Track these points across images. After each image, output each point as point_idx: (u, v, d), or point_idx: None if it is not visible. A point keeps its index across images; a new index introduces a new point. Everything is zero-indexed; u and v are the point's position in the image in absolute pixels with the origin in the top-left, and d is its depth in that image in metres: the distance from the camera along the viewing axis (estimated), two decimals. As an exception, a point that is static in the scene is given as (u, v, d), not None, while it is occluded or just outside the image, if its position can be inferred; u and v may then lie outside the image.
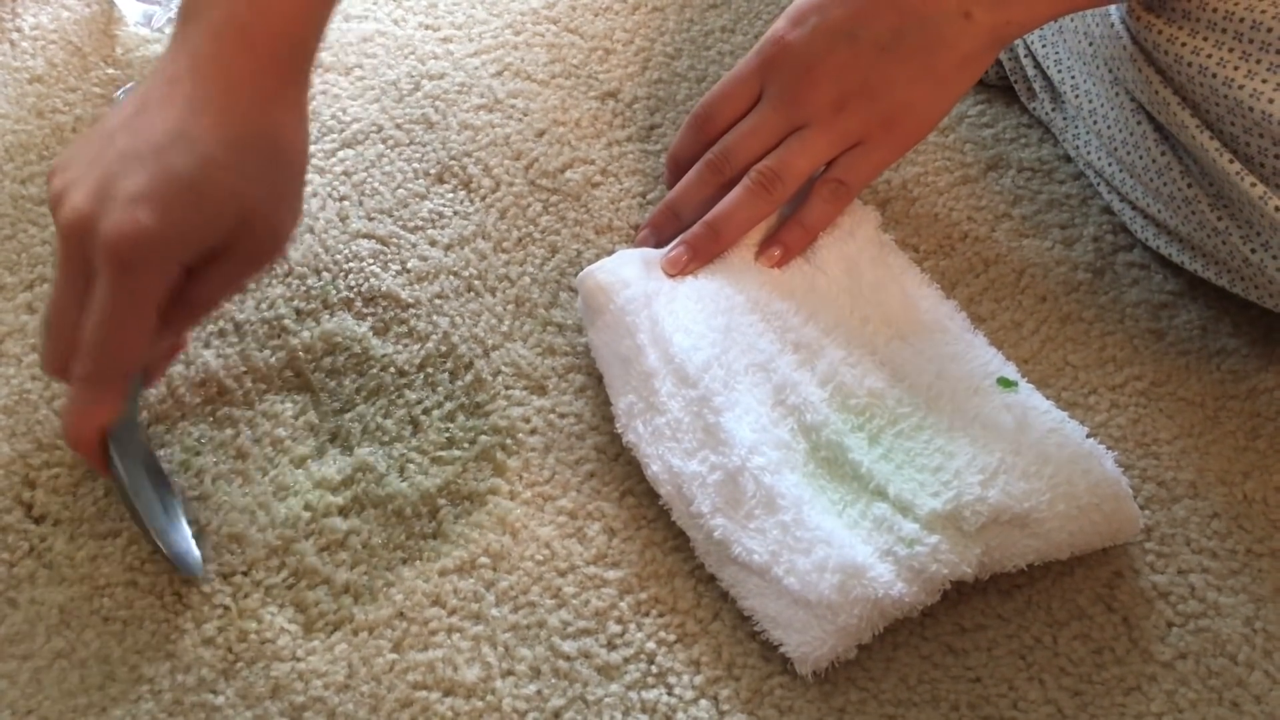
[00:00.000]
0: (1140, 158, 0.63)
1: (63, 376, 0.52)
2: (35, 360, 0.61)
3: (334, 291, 0.64)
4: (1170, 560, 0.56)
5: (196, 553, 0.54)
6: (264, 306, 0.63)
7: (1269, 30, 0.55)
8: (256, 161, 0.51)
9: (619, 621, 0.54)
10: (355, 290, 0.64)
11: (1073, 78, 0.67)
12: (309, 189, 0.68)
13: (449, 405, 0.60)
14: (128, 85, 0.67)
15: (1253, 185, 0.56)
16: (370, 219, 0.67)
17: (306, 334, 0.62)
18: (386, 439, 0.59)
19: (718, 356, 0.57)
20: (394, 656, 0.52)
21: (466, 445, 0.59)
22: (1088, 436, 0.55)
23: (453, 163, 0.69)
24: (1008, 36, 0.59)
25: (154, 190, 0.49)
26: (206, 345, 0.61)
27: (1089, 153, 0.68)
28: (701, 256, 0.61)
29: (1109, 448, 0.56)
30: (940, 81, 0.60)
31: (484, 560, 0.55)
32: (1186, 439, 0.60)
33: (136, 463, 0.54)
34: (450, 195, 0.68)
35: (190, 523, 0.55)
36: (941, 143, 0.71)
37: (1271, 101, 0.55)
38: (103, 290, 0.49)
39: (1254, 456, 0.59)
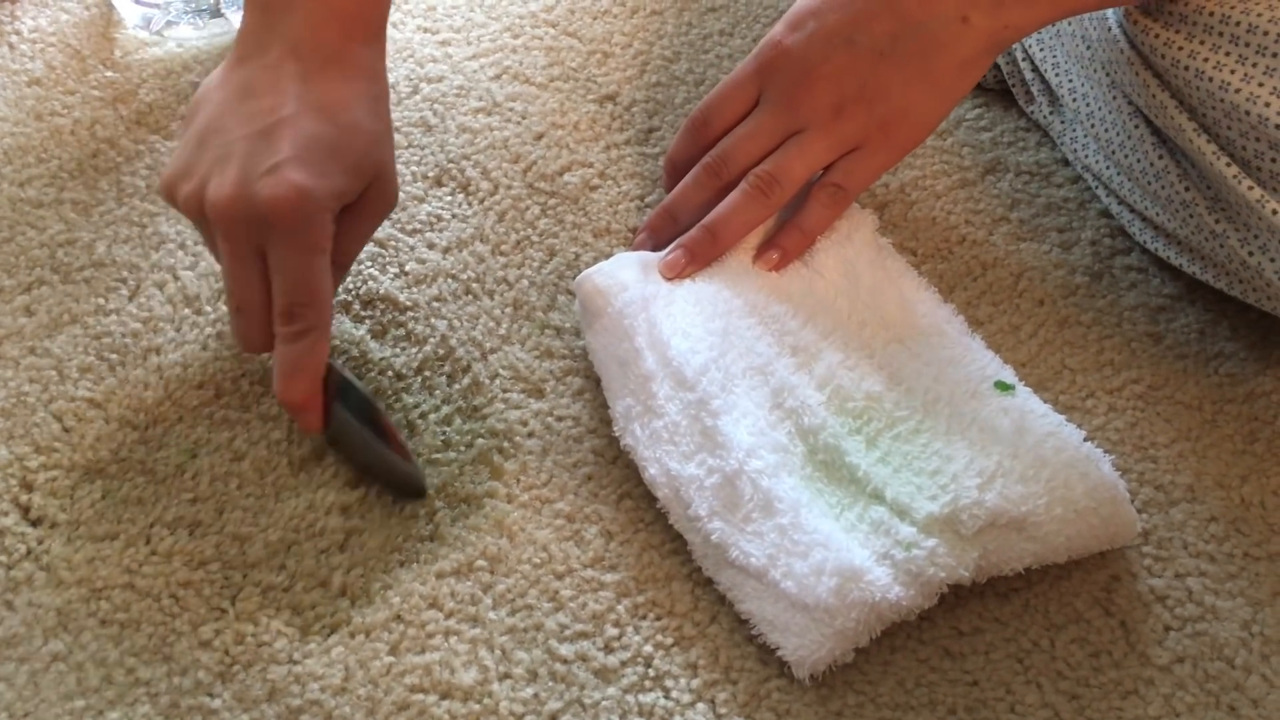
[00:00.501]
0: (1138, 161, 0.63)
1: (266, 349, 0.55)
2: (33, 363, 0.61)
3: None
4: (1168, 564, 0.56)
5: (421, 473, 0.57)
6: (262, 309, 0.63)
7: (1265, 34, 0.55)
8: (371, 115, 0.56)
9: (616, 624, 0.54)
10: (353, 293, 0.64)
11: (1070, 81, 0.67)
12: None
13: (446, 409, 0.60)
14: (195, 77, 0.71)
15: (1250, 189, 0.57)
16: (368, 222, 0.67)
17: (304, 337, 0.62)
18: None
19: (715, 359, 0.57)
20: (391, 659, 0.52)
21: (463, 448, 0.59)
22: (1085, 440, 0.55)
23: (451, 166, 0.69)
24: (1005, 41, 0.59)
25: (298, 154, 0.53)
26: (204, 347, 0.62)
27: (1087, 156, 0.68)
28: (699, 260, 0.61)
29: (1107, 451, 0.56)
30: (938, 86, 0.60)
31: (481, 563, 0.55)
32: (1184, 442, 0.60)
33: (344, 404, 0.56)
34: (448, 198, 0.68)
35: (403, 446, 0.57)
36: (939, 146, 0.71)
37: (1268, 105, 0.55)
38: (283, 253, 0.53)
39: (1251, 460, 0.59)
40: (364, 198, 0.56)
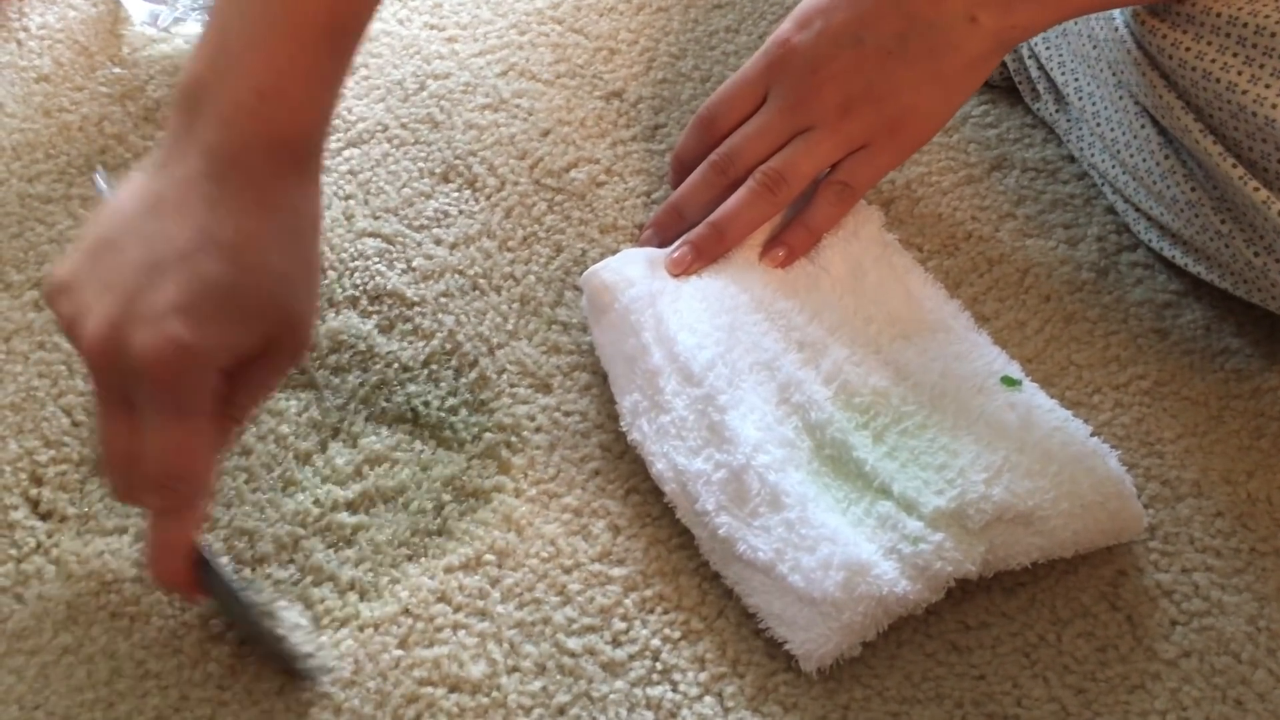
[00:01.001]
0: (1144, 161, 0.63)
1: (139, 504, 0.50)
2: (42, 357, 0.61)
3: (339, 290, 0.64)
4: (1174, 559, 0.56)
5: (320, 656, 0.52)
6: (270, 304, 0.63)
7: (1273, 35, 0.56)
8: (286, 255, 0.49)
9: (624, 618, 0.54)
10: (361, 288, 0.64)
11: (1076, 80, 0.67)
12: (315, 188, 0.68)
13: (453, 401, 0.60)
14: (99, 173, 0.62)
15: (1256, 190, 0.57)
16: (376, 218, 0.67)
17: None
18: (393, 432, 0.59)
19: (722, 355, 0.57)
20: (400, 653, 0.53)
21: (471, 442, 0.59)
22: (1092, 435, 0.56)
23: (458, 162, 0.70)
24: (1013, 41, 0.60)
25: (187, 301, 0.46)
26: (213, 343, 0.62)
27: (1092, 155, 0.68)
28: (705, 257, 0.61)
29: (1113, 446, 0.56)
30: (945, 85, 0.60)
31: (489, 557, 0.55)
32: (1190, 438, 0.60)
33: (222, 575, 0.51)
34: (455, 194, 0.68)
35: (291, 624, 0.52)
36: (946, 143, 0.71)
37: (1275, 107, 0.55)
38: (153, 416, 0.46)
39: (1258, 456, 0.59)
40: (267, 350, 0.49)
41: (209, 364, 0.46)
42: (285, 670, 0.51)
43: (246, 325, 0.47)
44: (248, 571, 0.55)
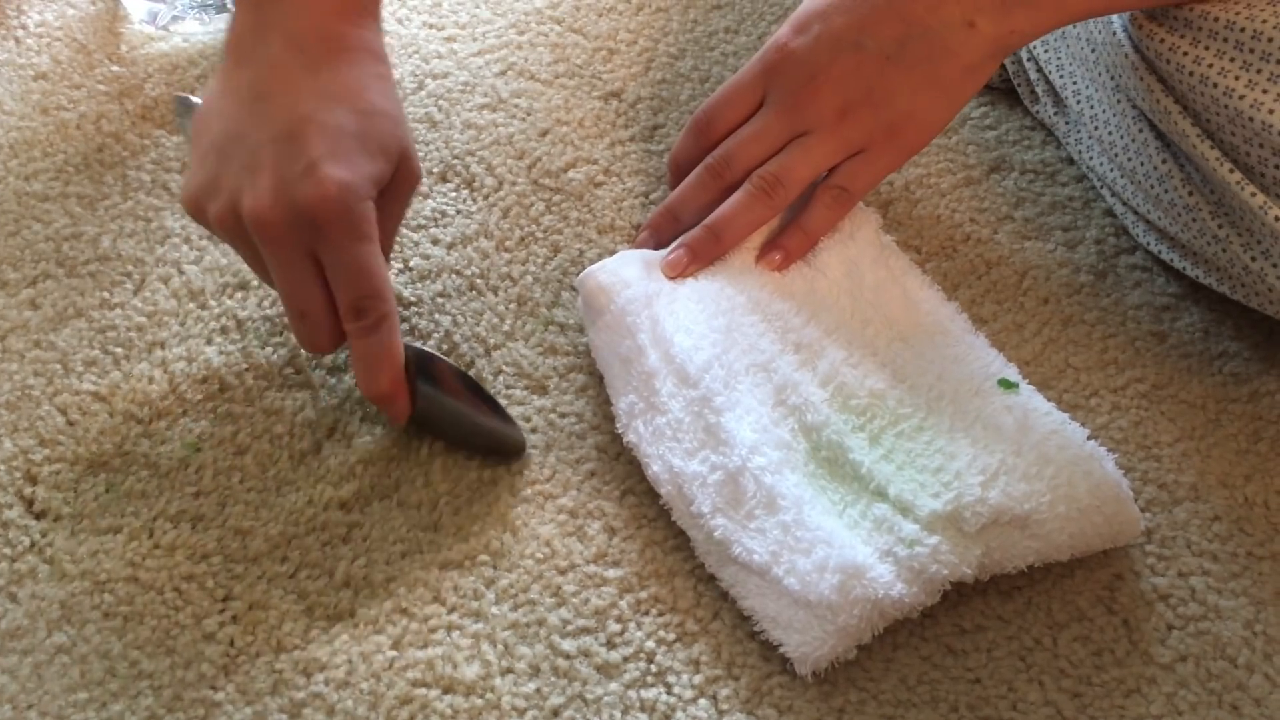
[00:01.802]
0: (1141, 164, 0.63)
1: (336, 347, 0.55)
2: (37, 356, 0.61)
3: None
4: (1171, 563, 0.56)
5: (517, 431, 0.58)
6: (266, 304, 0.63)
7: (1270, 40, 0.55)
8: (390, 104, 0.55)
9: (619, 620, 0.54)
10: (358, 288, 0.64)
11: (1075, 83, 0.67)
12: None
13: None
14: (184, 94, 0.66)
15: (1253, 195, 0.56)
16: (373, 217, 0.67)
17: (309, 331, 0.62)
18: (390, 429, 0.59)
19: (718, 357, 0.57)
20: (393, 654, 0.52)
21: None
22: (1089, 438, 0.55)
23: (456, 162, 0.69)
24: (1011, 46, 0.59)
25: (329, 149, 0.52)
26: (209, 342, 0.62)
27: (1091, 158, 0.68)
28: (701, 259, 0.61)
29: (1110, 450, 0.56)
30: (944, 90, 0.60)
31: (484, 558, 0.55)
32: (1188, 442, 0.60)
33: (427, 380, 0.57)
34: (453, 194, 0.68)
35: (495, 407, 0.58)
36: (944, 145, 0.71)
37: (1272, 112, 0.55)
38: (338, 251, 0.52)
39: (1255, 460, 0.59)
40: (393, 179, 0.56)
41: (366, 195, 0.53)
42: (496, 452, 0.58)
43: (380, 159, 0.54)
44: (240, 569, 0.55)
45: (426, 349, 0.59)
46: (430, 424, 0.58)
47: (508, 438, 0.58)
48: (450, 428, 0.58)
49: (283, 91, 0.54)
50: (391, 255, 0.65)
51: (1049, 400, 0.57)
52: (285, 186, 0.52)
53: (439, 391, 0.57)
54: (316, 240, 0.52)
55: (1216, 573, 0.56)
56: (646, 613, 0.54)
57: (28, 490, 0.57)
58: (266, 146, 0.53)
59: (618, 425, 0.58)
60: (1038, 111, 0.72)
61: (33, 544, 0.55)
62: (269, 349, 0.61)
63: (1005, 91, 0.74)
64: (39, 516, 0.56)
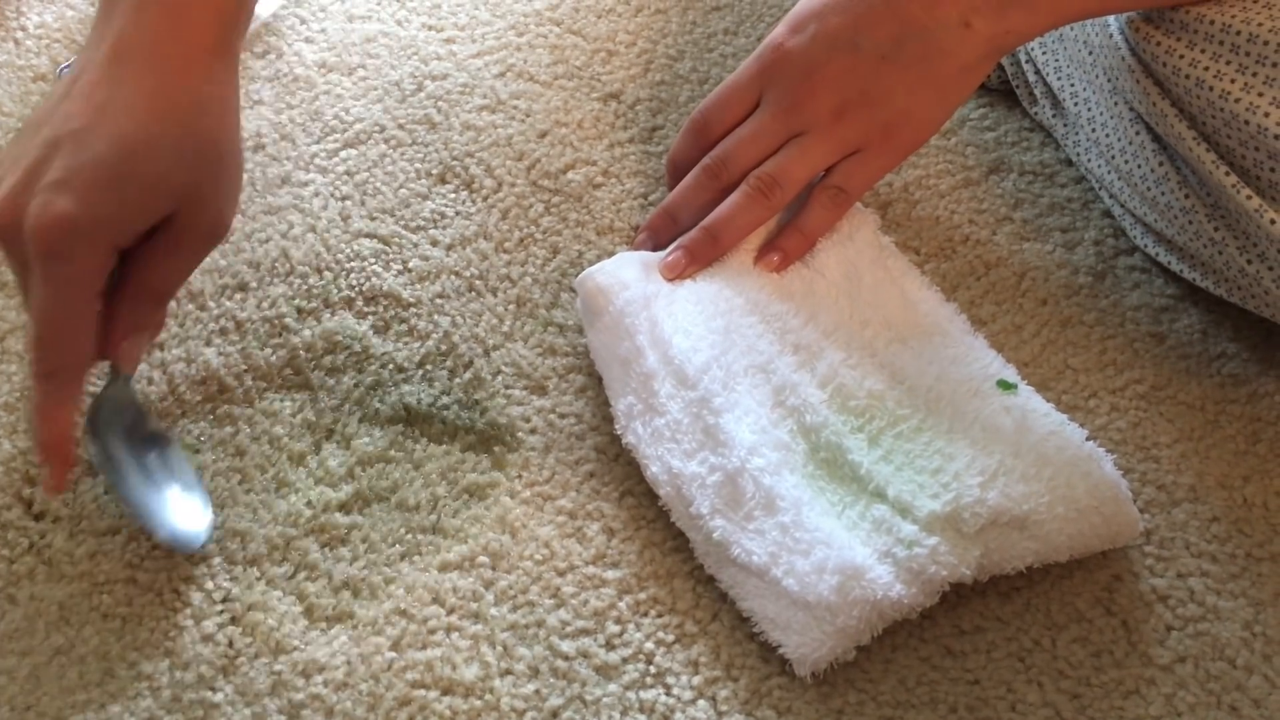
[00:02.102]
0: (1138, 167, 0.63)
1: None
2: (36, 357, 0.61)
3: (335, 290, 0.64)
4: (1170, 564, 0.56)
5: (186, 530, 0.53)
6: (265, 305, 0.63)
7: (1265, 44, 0.55)
8: (184, 140, 0.50)
9: (618, 621, 0.54)
10: (357, 289, 0.64)
11: (1072, 86, 0.67)
12: (311, 188, 0.68)
13: (445, 400, 0.60)
14: (65, 64, 0.65)
15: (1249, 198, 0.57)
16: (372, 219, 0.67)
17: (307, 332, 0.62)
18: (388, 430, 0.59)
19: (717, 358, 0.57)
20: (393, 655, 0.52)
21: (465, 438, 0.59)
22: (1088, 439, 0.55)
23: (455, 163, 0.70)
24: (1007, 46, 0.59)
25: (73, 175, 0.48)
26: (208, 343, 0.62)
27: (1089, 160, 0.68)
28: (699, 261, 0.61)
29: (1109, 451, 0.56)
30: (940, 90, 0.60)
31: (483, 559, 0.55)
32: (1186, 443, 0.60)
33: (120, 454, 0.53)
34: (452, 195, 0.68)
35: (191, 493, 0.54)
36: (943, 146, 0.71)
37: (1267, 115, 0.55)
38: (36, 282, 0.48)
39: (1254, 461, 0.59)
40: (174, 227, 0.50)
41: (97, 238, 0.48)
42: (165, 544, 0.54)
43: (132, 204, 0.48)
44: (239, 571, 0.55)
45: (140, 412, 0.54)
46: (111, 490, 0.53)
47: (171, 536, 0.53)
48: (119, 500, 0.54)
49: (80, 95, 0.49)
50: (390, 257, 0.65)
51: (1048, 401, 0.57)
52: (22, 197, 0.48)
53: (123, 457, 0.53)
54: (31, 262, 0.48)
55: (1215, 574, 0.56)
56: (645, 614, 0.54)
57: (26, 492, 0.57)
58: (34, 148, 0.49)
59: (616, 426, 0.58)
60: (1036, 113, 0.72)
61: (31, 545, 0.55)
62: (268, 350, 0.61)
63: (1004, 93, 0.74)
64: (38, 518, 0.56)
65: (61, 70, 0.61)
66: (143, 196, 0.49)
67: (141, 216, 0.49)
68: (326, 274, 0.64)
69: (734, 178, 0.61)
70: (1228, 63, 0.56)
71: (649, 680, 0.52)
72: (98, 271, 0.49)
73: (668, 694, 0.52)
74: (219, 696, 0.51)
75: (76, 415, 0.51)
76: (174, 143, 0.49)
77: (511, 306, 0.64)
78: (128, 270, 0.51)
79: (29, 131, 0.50)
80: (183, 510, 0.54)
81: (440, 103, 0.72)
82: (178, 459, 0.55)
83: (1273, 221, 0.56)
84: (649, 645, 0.53)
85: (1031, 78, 0.71)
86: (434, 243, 0.66)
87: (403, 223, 0.67)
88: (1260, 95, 0.55)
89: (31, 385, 0.50)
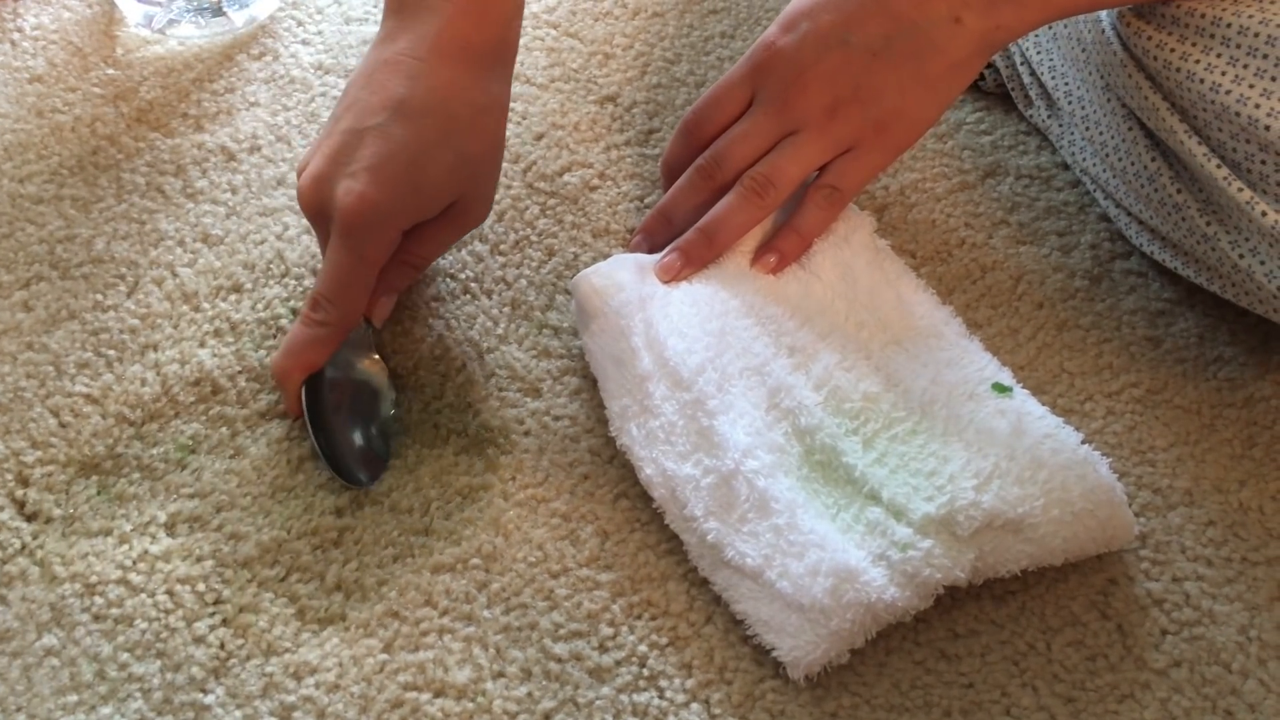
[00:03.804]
0: (1131, 164, 0.63)
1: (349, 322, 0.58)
2: (30, 358, 0.61)
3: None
4: (1165, 568, 0.56)
5: (353, 467, 0.57)
6: (260, 307, 0.63)
7: (1256, 36, 0.55)
8: (471, 141, 0.57)
9: (611, 624, 0.54)
10: (351, 291, 0.64)
11: (1066, 84, 0.67)
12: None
13: (438, 404, 0.60)
14: None
15: (1240, 190, 0.56)
16: (367, 220, 0.67)
17: (302, 334, 0.62)
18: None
19: (712, 360, 0.57)
20: (385, 657, 0.52)
21: (458, 440, 0.59)
22: (1083, 443, 0.55)
23: (451, 165, 0.69)
24: (998, 42, 0.59)
25: (377, 165, 0.54)
26: (202, 344, 0.62)
27: (1084, 160, 0.68)
28: (695, 262, 0.61)
29: (1104, 454, 0.56)
30: (931, 87, 0.60)
31: (476, 561, 0.55)
32: (1182, 446, 0.60)
33: (324, 387, 0.58)
34: (448, 198, 0.68)
35: (380, 434, 0.58)
36: (939, 149, 0.71)
37: (1258, 107, 0.55)
38: (333, 249, 0.56)
39: (1250, 465, 0.59)
40: (449, 213, 0.58)
41: (392, 221, 0.55)
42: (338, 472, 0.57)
43: (426, 195, 0.56)
44: (231, 573, 0.54)
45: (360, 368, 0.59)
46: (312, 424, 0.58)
47: (340, 468, 0.57)
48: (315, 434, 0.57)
49: (379, 90, 0.56)
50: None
51: (1044, 405, 0.57)
52: (329, 179, 0.55)
53: (323, 398, 0.58)
54: (330, 230, 0.56)
55: (1211, 578, 0.56)
56: (639, 617, 0.54)
57: (19, 492, 0.57)
58: (338, 135, 0.56)
59: (611, 428, 0.58)
60: (1032, 116, 0.72)
61: (23, 546, 0.55)
62: (262, 351, 0.61)
63: (1000, 97, 0.74)
64: (30, 519, 0.56)
65: None
66: (434, 189, 0.56)
67: (431, 206, 0.56)
68: (321, 275, 0.64)
69: (728, 178, 0.61)
70: (1219, 56, 0.56)
71: (642, 683, 0.52)
72: (387, 249, 0.56)
73: (661, 697, 0.52)
74: (210, 698, 0.51)
75: (316, 366, 0.57)
76: (462, 143, 0.56)
77: (506, 309, 0.64)
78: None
79: (330, 123, 0.57)
80: (360, 449, 0.58)
81: (436, 105, 0.72)
82: (382, 403, 0.59)
83: (1264, 214, 0.56)
84: (642, 648, 0.53)
85: (1027, 79, 0.71)
86: (429, 245, 0.66)
87: (398, 225, 0.67)
88: (1251, 88, 0.55)
89: (297, 325, 0.57)
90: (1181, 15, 0.57)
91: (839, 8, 0.59)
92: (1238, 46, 0.56)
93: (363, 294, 0.57)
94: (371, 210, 0.54)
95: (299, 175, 0.58)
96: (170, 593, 0.54)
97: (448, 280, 0.65)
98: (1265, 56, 0.55)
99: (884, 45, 0.59)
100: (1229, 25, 0.56)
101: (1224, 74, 0.56)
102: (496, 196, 0.68)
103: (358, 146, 0.55)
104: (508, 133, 0.70)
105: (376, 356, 0.59)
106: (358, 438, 0.58)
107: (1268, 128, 0.55)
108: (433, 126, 0.56)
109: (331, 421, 0.57)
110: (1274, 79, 0.55)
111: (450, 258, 0.66)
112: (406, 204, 0.55)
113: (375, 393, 0.59)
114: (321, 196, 0.56)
